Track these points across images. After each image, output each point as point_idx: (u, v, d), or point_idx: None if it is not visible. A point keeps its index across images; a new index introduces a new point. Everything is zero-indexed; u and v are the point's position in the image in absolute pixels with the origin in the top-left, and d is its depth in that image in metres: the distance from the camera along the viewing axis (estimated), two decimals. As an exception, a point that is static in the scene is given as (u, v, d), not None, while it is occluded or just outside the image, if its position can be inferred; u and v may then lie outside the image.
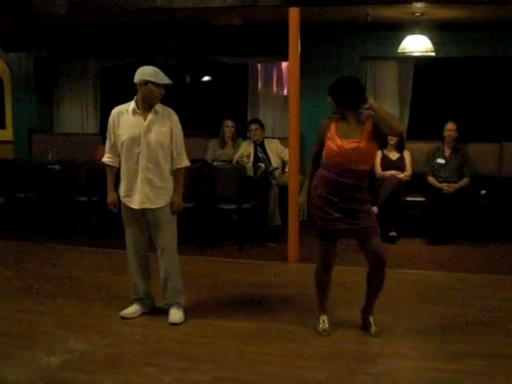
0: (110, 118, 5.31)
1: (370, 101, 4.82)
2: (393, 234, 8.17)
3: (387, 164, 8.51)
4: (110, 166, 5.40)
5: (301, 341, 4.99)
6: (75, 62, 10.59)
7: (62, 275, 6.78)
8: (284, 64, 9.64)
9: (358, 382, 4.30)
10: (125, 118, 5.24)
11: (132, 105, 5.26)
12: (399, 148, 8.60)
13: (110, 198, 5.41)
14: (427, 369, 4.48)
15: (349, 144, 4.80)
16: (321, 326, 5.14)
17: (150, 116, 5.21)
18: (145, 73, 5.19)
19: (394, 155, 8.59)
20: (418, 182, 8.44)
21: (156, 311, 5.57)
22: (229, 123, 8.81)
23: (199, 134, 9.60)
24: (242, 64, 9.96)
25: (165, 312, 5.48)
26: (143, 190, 5.21)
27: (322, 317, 5.18)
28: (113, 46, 9.92)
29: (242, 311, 5.59)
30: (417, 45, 8.12)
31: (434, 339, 5.00)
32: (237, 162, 8.45)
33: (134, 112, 5.22)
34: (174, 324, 5.31)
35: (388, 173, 8.41)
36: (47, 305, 5.83)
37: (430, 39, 8.11)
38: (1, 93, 10.74)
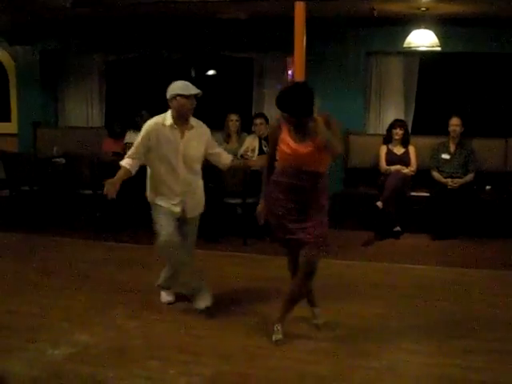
0: (146, 129, 5.32)
1: (317, 117, 4.66)
2: (397, 229, 8.17)
3: (392, 159, 8.50)
4: (126, 168, 5.37)
5: (304, 335, 5.00)
6: (80, 56, 10.57)
7: (67, 269, 6.80)
8: (289, 58, 9.62)
9: (360, 376, 4.30)
10: (162, 132, 5.29)
11: (169, 120, 5.30)
12: (404, 143, 8.58)
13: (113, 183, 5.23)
14: (430, 364, 4.48)
15: (303, 148, 4.67)
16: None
17: (188, 133, 5.33)
18: (174, 87, 5.28)
19: (398, 150, 8.58)
20: (422, 177, 8.43)
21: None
22: (233, 117, 8.80)
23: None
24: (247, 58, 9.95)
25: (168, 306, 5.53)
26: (183, 201, 5.39)
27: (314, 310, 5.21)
28: (118, 39, 9.92)
29: (245, 305, 5.59)
30: (422, 39, 8.10)
31: (437, 334, 5.00)
32: (242, 156, 8.44)
33: (171, 127, 5.28)
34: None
35: (393, 167, 8.40)
36: (52, 298, 5.84)
37: (436, 34, 8.09)
38: (6, 86, 10.76)
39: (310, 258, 4.76)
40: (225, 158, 5.69)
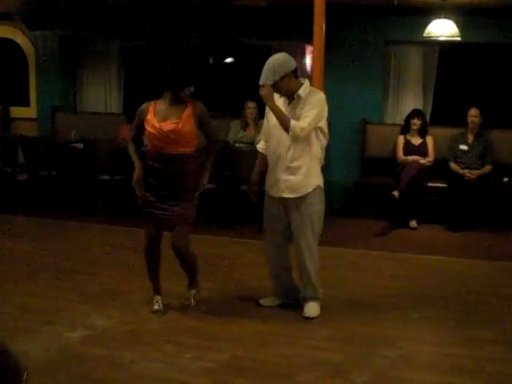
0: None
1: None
2: (413, 224, 8.12)
3: (409, 149, 8.47)
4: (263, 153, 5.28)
5: (319, 322, 5.03)
6: (99, 42, 10.60)
7: (84, 252, 6.86)
8: (308, 47, 9.59)
9: (374, 364, 4.31)
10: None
11: None
12: (422, 133, 8.55)
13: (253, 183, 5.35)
14: (445, 354, 4.48)
15: (167, 125, 4.83)
16: (155, 307, 5.18)
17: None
18: None
19: (416, 140, 8.54)
20: (440, 167, 8.39)
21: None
22: (251, 105, 8.78)
23: (219, 114, 9.59)
24: (266, 46, 9.92)
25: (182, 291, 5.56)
26: None
27: (155, 297, 5.24)
28: (137, 26, 9.92)
29: (259, 291, 5.59)
30: (442, 29, 8.03)
31: (452, 325, 5.00)
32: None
33: None
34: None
35: (410, 158, 8.37)
36: (68, 281, 5.90)
37: (456, 24, 8.03)
38: (25, 71, 10.81)
39: (177, 243, 4.99)
40: None
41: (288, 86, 4.88)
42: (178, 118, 4.87)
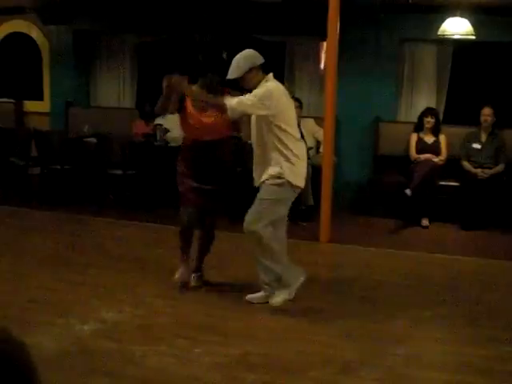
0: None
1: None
2: (425, 223, 8.08)
3: (422, 147, 8.44)
4: None
5: (330, 319, 5.02)
6: (113, 37, 10.64)
7: (96, 247, 6.88)
8: (322, 44, 9.58)
9: (386, 362, 4.31)
10: None
11: None
12: (435, 132, 8.51)
13: None
14: (457, 353, 4.47)
15: (207, 118, 5.02)
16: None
17: None
18: None
19: (429, 139, 8.51)
20: (452, 166, 8.35)
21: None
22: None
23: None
24: (280, 42, 9.91)
25: (195, 286, 5.58)
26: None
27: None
28: (151, 21, 9.94)
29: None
30: (457, 28, 8.00)
31: (464, 324, 4.99)
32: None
33: None
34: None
35: (423, 156, 8.34)
36: (81, 275, 5.92)
37: (471, 22, 7.99)
38: (39, 65, 10.85)
39: (210, 223, 5.45)
40: None
41: (253, 79, 5.02)
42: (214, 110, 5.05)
